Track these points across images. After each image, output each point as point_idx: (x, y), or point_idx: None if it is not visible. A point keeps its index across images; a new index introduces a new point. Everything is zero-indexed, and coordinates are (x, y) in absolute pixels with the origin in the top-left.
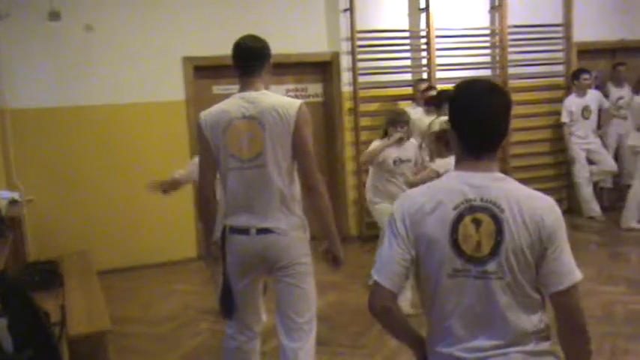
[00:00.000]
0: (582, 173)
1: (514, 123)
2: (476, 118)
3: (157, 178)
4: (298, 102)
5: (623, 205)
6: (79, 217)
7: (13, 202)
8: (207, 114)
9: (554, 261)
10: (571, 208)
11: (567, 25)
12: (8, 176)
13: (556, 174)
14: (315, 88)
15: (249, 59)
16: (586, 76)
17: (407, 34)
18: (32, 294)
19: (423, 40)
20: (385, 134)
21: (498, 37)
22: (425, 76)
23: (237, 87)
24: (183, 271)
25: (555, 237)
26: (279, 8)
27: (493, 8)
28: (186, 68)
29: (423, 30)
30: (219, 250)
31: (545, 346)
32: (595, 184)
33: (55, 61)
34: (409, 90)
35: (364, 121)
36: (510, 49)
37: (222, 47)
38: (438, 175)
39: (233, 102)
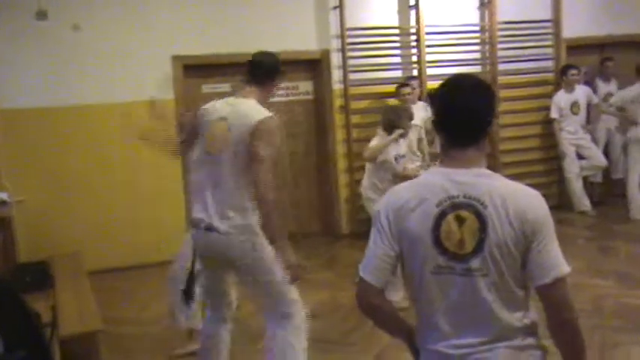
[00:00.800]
0: (572, 168)
1: (504, 119)
2: (456, 111)
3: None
4: (267, 114)
5: (615, 199)
6: (70, 217)
7: (2, 203)
8: (203, 108)
9: (539, 254)
10: (561, 203)
11: (556, 21)
12: None
13: (546, 169)
14: (305, 86)
15: (252, 69)
16: (574, 71)
17: (397, 31)
18: (23, 295)
19: (413, 37)
20: (391, 130)
21: (488, 34)
22: (415, 73)
23: (226, 86)
24: None
25: (540, 231)
26: (270, 6)
27: (482, 5)
28: (176, 67)
29: (412, 27)
30: None
31: (531, 340)
32: (585, 179)
33: (44, 61)
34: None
35: (355, 119)
36: (500, 46)
37: (211, 46)
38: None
39: (220, 102)
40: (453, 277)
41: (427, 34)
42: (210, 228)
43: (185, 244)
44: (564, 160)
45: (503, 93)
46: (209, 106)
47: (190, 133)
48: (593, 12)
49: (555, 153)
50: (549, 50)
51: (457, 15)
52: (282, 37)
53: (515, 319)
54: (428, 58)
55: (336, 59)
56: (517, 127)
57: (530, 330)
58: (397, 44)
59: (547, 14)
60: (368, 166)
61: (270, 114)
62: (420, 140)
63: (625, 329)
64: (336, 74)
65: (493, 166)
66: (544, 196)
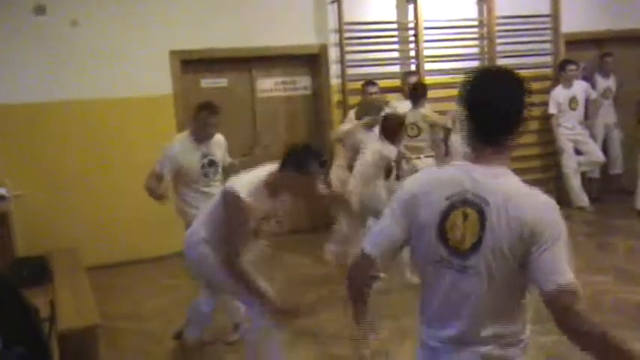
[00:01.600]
0: (570, 164)
1: None
2: (481, 107)
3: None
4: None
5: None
6: (68, 212)
7: (1, 198)
8: None
9: (539, 258)
10: (559, 199)
11: (555, 15)
12: None
13: (544, 165)
14: (303, 81)
15: None
16: (572, 67)
17: (395, 25)
18: (21, 290)
19: (411, 32)
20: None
21: (486, 29)
22: (413, 67)
23: (224, 81)
24: (171, 266)
25: (541, 235)
26: (267, 1)
27: None
28: (174, 62)
29: (411, 22)
30: None
31: (508, 352)
32: (583, 175)
33: (41, 56)
34: (397, 82)
35: None
36: (498, 40)
37: (209, 41)
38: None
39: None
40: (450, 271)
41: (425, 28)
42: None
43: None
44: (562, 156)
45: None
46: None
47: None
48: (592, 7)
49: (553, 149)
50: (548, 45)
51: (455, 10)
52: (279, 31)
53: (499, 323)
54: (426, 52)
55: (334, 54)
56: None
57: (513, 339)
58: (395, 39)
59: (546, 9)
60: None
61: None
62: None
63: (624, 326)
64: (334, 69)
65: None
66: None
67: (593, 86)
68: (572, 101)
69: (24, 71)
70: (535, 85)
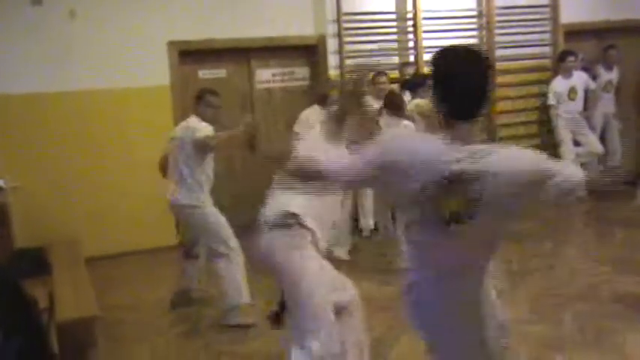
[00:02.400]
0: (569, 155)
1: (500, 105)
2: (459, 83)
3: None
4: None
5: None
6: (65, 203)
7: None
8: None
9: (548, 192)
10: None
11: (554, 6)
12: None
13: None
14: (301, 72)
15: None
16: (571, 58)
17: (394, 16)
18: (20, 281)
19: (410, 23)
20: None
21: (485, 19)
22: (412, 58)
23: (222, 72)
24: (169, 257)
25: (541, 174)
26: None
27: None
28: (172, 53)
29: (409, 12)
30: None
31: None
32: (582, 165)
33: (40, 47)
34: (396, 73)
35: None
36: (497, 31)
37: (207, 31)
38: None
39: None
40: (456, 228)
41: (424, 19)
42: None
43: None
44: (561, 147)
45: (500, 79)
46: None
47: None
48: None
49: (552, 139)
50: (547, 36)
51: (454, 0)
52: (278, 22)
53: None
54: (425, 43)
55: (332, 45)
56: (514, 114)
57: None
58: (394, 30)
59: None
60: None
61: None
62: None
63: (621, 315)
64: (333, 60)
65: None
66: None
67: (594, 77)
68: (572, 92)
69: (21, 62)
70: (534, 76)
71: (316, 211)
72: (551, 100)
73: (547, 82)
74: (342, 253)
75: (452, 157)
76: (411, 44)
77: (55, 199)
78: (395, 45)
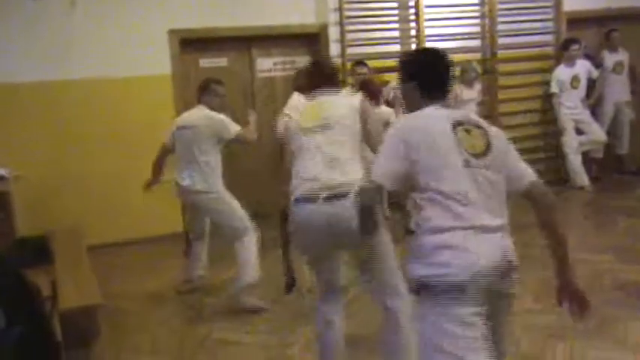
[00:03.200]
0: (571, 143)
1: (503, 94)
2: (442, 71)
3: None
4: None
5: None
6: (67, 192)
7: (1, 178)
8: None
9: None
10: (560, 178)
11: None
12: None
13: (545, 144)
14: (302, 61)
15: None
16: (575, 46)
17: (395, 4)
18: (22, 270)
19: (412, 11)
20: None
21: (487, 7)
22: (414, 47)
23: (224, 60)
24: (172, 244)
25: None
26: None
27: None
28: (172, 42)
29: (411, 0)
30: None
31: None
32: (584, 154)
33: (40, 35)
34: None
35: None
36: (499, 19)
37: (208, 20)
38: None
39: None
40: (474, 170)
41: (426, 7)
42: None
43: None
44: (563, 135)
45: (502, 67)
46: None
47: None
48: None
49: (554, 128)
50: (549, 24)
51: None
52: (279, 10)
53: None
54: (427, 32)
55: (334, 33)
56: (516, 102)
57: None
58: (396, 18)
59: None
60: None
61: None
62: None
63: (623, 304)
64: (334, 48)
65: None
66: (543, 171)
67: (599, 64)
68: (574, 80)
69: (24, 51)
70: (536, 64)
71: None
72: (554, 89)
73: (549, 70)
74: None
75: (452, 115)
76: (413, 32)
77: (56, 188)
78: (397, 33)
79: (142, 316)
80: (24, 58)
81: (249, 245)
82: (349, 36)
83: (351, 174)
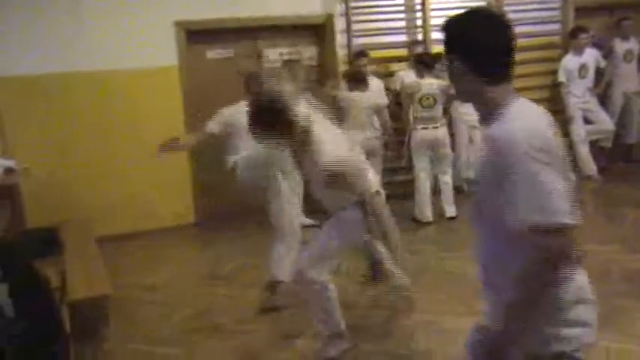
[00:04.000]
0: (579, 132)
1: None
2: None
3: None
4: None
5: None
6: (76, 184)
7: (9, 170)
8: None
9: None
10: None
11: None
12: (3, 144)
13: None
14: (309, 51)
15: None
16: (584, 35)
17: None
18: (32, 261)
19: (418, 0)
20: None
21: None
22: (420, 37)
23: (231, 51)
24: (181, 236)
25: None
26: None
27: None
28: (179, 33)
29: None
30: None
31: None
32: (593, 144)
33: (47, 28)
34: (404, 52)
35: None
36: (507, 8)
37: (214, 11)
38: None
39: None
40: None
41: None
42: None
43: None
44: (571, 124)
45: None
46: None
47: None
48: None
49: (562, 117)
50: (557, 13)
51: None
52: (285, 1)
53: None
54: (433, 21)
55: (340, 24)
56: (524, 91)
57: None
58: (402, 8)
59: None
60: None
61: None
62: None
63: (632, 295)
64: (340, 39)
65: None
66: None
67: (609, 52)
68: (582, 69)
69: (28, 43)
70: (544, 54)
71: None
72: (562, 78)
73: (557, 59)
74: None
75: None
76: (419, 22)
77: (65, 180)
78: (403, 23)
79: (150, 307)
80: (31, 51)
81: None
82: (355, 26)
83: None
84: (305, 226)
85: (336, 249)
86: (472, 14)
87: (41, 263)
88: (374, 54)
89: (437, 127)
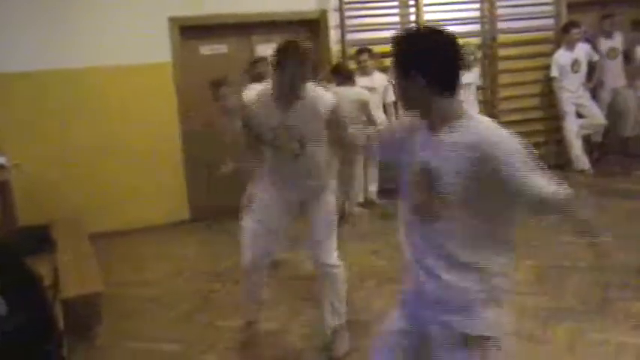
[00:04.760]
0: (572, 127)
1: (503, 78)
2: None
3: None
4: None
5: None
6: (68, 181)
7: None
8: None
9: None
10: (561, 162)
11: None
12: None
13: (546, 128)
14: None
15: None
16: (576, 30)
17: None
18: (25, 258)
19: None
20: None
21: None
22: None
23: (224, 47)
24: (174, 233)
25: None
26: None
27: None
28: (173, 29)
29: None
30: None
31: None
32: (586, 138)
33: (39, 24)
34: None
35: None
36: (499, 3)
37: (208, 7)
38: None
39: None
40: None
41: None
42: None
43: None
44: (564, 119)
45: (502, 52)
46: None
47: None
48: None
49: (555, 112)
50: (550, 8)
51: None
52: None
53: None
54: (426, 17)
55: (333, 19)
56: (517, 86)
57: None
58: (395, 3)
59: None
60: None
61: None
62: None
63: (625, 285)
64: (334, 34)
65: None
66: (544, 155)
67: (596, 49)
68: (575, 64)
69: (23, 40)
70: (537, 48)
71: None
72: (554, 73)
73: (549, 54)
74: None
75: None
76: (412, 18)
77: (57, 177)
78: (397, 19)
79: (143, 304)
80: (24, 48)
81: None
82: (349, 22)
83: None
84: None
85: (334, 228)
86: (425, 31)
87: (34, 260)
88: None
89: None
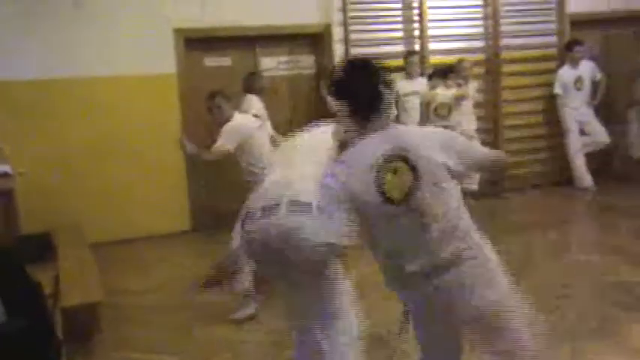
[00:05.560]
0: (575, 144)
1: (506, 94)
2: (351, 97)
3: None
4: None
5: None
6: (70, 189)
7: (4, 175)
8: None
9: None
10: (563, 179)
11: None
12: None
13: (549, 145)
14: (306, 60)
15: None
16: (579, 47)
17: (399, 4)
18: (25, 265)
19: (416, 12)
20: None
21: (491, 8)
22: (417, 47)
23: (228, 59)
24: (175, 243)
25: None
26: None
27: None
28: (178, 40)
29: (415, 1)
30: None
31: None
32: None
33: (44, 33)
34: (401, 62)
35: None
36: (503, 20)
37: (213, 19)
38: None
39: None
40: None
41: (430, 8)
42: None
43: None
44: (567, 136)
45: (505, 68)
46: None
47: None
48: None
49: (558, 129)
50: (553, 25)
51: None
52: (284, 10)
53: None
54: (430, 32)
55: (338, 33)
56: (520, 103)
57: None
58: (399, 18)
59: None
60: None
61: None
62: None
63: (629, 307)
64: (338, 48)
65: (495, 142)
66: (547, 172)
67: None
68: (578, 81)
69: (27, 48)
70: (540, 66)
71: None
72: (557, 90)
73: (553, 71)
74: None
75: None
76: (416, 33)
77: (60, 186)
78: (400, 34)
79: (143, 313)
80: (28, 56)
81: None
82: (353, 36)
83: None
84: None
85: None
86: (351, 65)
87: (34, 268)
88: None
89: None
